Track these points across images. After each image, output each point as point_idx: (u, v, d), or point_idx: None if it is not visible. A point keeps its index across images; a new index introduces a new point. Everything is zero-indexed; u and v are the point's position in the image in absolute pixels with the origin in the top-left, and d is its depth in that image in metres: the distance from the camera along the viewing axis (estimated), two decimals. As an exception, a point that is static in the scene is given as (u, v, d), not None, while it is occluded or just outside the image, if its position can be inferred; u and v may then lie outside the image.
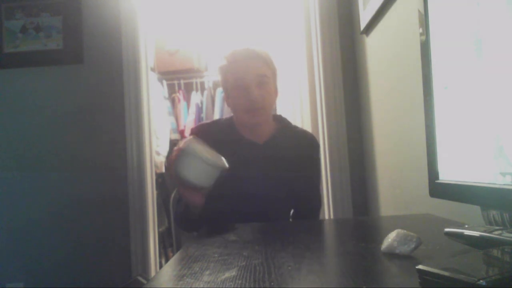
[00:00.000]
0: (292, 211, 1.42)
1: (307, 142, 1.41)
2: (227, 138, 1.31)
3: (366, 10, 1.75)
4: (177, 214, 1.31)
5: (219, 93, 3.59)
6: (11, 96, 2.20)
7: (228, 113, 2.79)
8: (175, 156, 1.06)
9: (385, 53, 1.64)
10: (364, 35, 1.88)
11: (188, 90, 3.68)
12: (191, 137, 1.13)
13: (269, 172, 1.30)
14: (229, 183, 1.15)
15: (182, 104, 3.63)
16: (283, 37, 2.73)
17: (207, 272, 0.59)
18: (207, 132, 1.32)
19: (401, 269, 0.58)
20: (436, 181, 0.72)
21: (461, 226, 0.68)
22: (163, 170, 3.29)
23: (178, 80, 3.68)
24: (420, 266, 0.48)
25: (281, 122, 1.41)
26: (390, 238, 0.64)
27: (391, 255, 0.63)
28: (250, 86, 1.25)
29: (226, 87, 1.33)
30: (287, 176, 1.31)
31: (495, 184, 0.56)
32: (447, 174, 0.70)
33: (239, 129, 1.34)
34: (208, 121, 1.62)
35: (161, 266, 2.47)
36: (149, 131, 2.22)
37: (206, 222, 1.18)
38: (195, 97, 3.61)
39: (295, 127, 1.45)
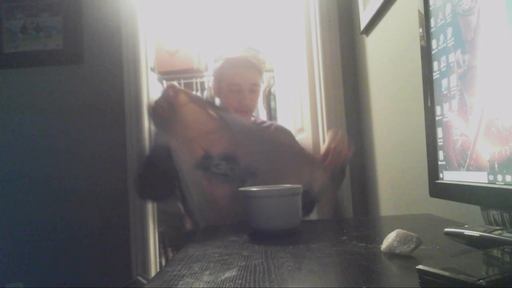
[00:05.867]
0: None
1: None
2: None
3: (366, 10, 1.75)
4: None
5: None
6: (11, 96, 2.20)
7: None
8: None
9: (385, 53, 1.64)
10: (364, 35, 1.88)
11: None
12: None
13: None
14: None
15: (182, 104, 3.62)
16: (283, 37, 2.73)
17: (207, 272, 0.59)
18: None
19: (401, 269, 0.58)
20: (436, 181, 0.72)
21: (461, 226, 0.68)
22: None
23: (178, 80, 3.67)
24: (420, 266, 0.48)
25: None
26: (390, 238, 0.64)
27: (391, 255, 0.63)
28: (244, 93, 1.43)
29: (220, 87, 1.49)
30: None
31: (495, 184, 0.56)
32: (447, 174, 0.70)
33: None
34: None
35: (161, 266, 2.47)
36: (149, 131, 2.22)
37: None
38: (195, 97, 3.61)
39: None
